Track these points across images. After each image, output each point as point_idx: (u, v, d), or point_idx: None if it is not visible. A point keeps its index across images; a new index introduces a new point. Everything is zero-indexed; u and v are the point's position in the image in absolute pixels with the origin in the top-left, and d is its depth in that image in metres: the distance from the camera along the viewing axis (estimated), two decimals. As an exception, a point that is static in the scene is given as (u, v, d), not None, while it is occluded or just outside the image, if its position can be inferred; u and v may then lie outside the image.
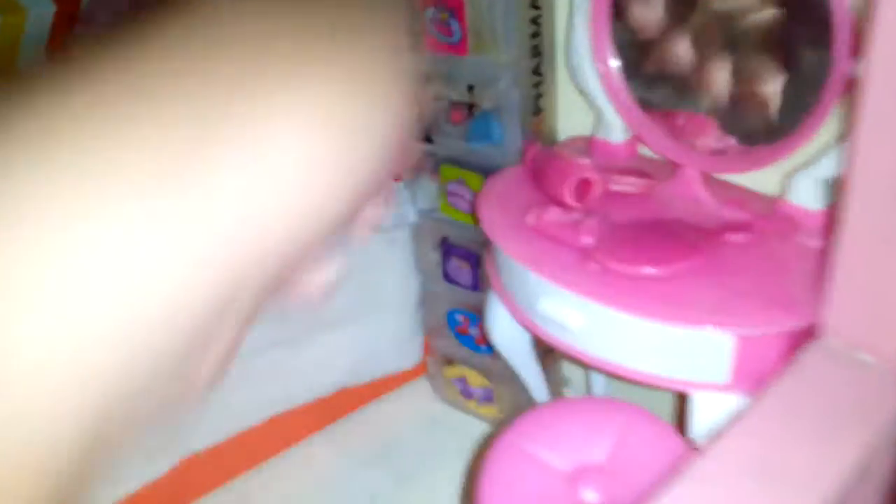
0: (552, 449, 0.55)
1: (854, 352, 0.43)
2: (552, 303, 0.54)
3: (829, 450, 0.38)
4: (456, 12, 0.63)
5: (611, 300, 0.51)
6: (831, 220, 0.54)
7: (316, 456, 0.80)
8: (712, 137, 0.58)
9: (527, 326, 0.58)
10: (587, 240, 0.54)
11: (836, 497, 0.37)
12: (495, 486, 0.55)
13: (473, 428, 0.81)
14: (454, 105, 0.69)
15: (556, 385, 0.81)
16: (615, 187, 0.60)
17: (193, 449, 0.75)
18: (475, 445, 0.78)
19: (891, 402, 0.41)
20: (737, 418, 0.40)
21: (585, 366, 0.69)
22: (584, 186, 0.58)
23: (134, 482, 0.70)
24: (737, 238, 0.53)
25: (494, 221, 0.58)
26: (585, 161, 0.58)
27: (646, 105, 0.61)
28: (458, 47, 0.65)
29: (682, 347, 0.51)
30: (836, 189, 0.54)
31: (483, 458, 0.56)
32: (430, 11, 0.65)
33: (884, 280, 0.40)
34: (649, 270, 0.51)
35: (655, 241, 0.53)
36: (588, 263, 0.53)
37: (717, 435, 0.40)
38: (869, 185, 0.39)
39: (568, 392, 0.83)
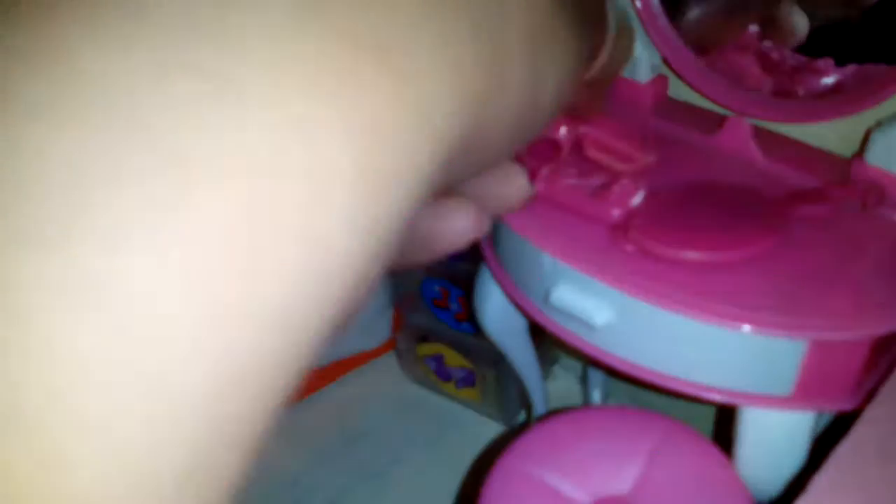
0: (568, 476, 0.44)
1: None
2: (570, 292, 0.42)
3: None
4: None
5: (648, 291, 0.39)
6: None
7: (267, 448, 0.68)
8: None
9: (533, 317, 0.46)
10: (616, 212, 0.42)
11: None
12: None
13: (451, 413, 0.69)
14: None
15: (548, 364, 0.70)
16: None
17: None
18: (453, 433, 0.67)
19: None
20: (831, 463, 0.30)
21: (606, 370, 0.58)
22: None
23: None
24: (809, 211, 0.42)
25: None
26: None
27: (690, 25, 0.48)
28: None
29: (738, 353, 0.39)
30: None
31: (480, 484, 0.45)
32: None
33: None
34: (702, 256, 0.39)
35: (708, 216, 0.41)
36: (620, 243, 0.41)
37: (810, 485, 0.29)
38: None
39: (556, 373, 0.72)
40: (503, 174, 0.24)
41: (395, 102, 0.13)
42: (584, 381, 0.69)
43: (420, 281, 0.66)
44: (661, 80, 0.52)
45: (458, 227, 0.22)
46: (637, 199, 0.43)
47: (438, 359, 0.69)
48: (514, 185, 0.24)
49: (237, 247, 0.11)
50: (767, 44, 0.47)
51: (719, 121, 0.48)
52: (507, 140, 0.18)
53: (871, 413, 0.32)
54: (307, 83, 0.12)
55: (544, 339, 0.68)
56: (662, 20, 0.48)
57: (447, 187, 0.19)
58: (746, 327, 0.37)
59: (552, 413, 0.49)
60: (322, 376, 0.70)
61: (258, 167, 0.11)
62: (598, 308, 0.41)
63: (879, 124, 0.43)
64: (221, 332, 0.11)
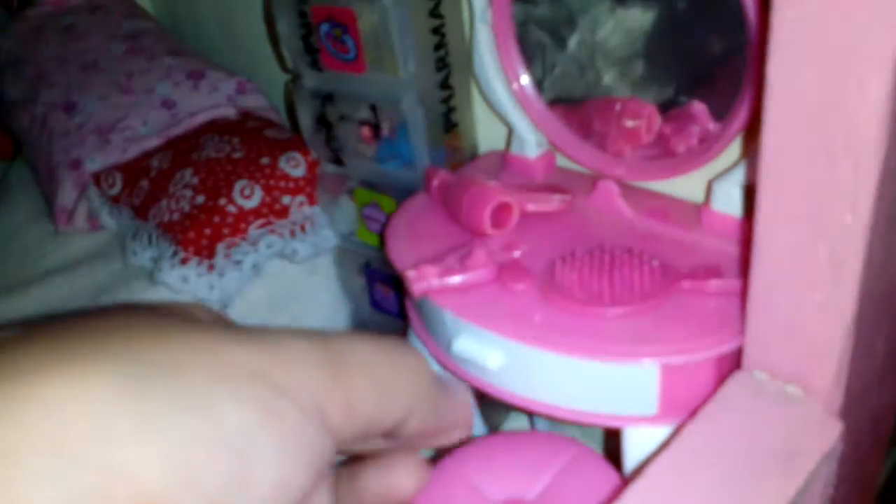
0: (489, 478, 0.51)
1: (780, 385, 0.39)
2: (469, 342, 0.50)
3: (754, 500, 0.34)
4: (349, 28, 0.58)
5: (530, 339, 0.47)
6: (748, 232, 0.50)
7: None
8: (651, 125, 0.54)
9: (445, 366, 0.54)
10: (520, 287, 0.49)
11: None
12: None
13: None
14: (364, 124, 0.65)
15: (493, 415, 0.77)
16: (533, 207, 0.56)
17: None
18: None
19: (821, 439, 0.37)
20: (651, 467, 0.36)
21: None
22: (501, 211, 0.54)
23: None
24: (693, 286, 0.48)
25: (409, 263, 0.53)
26: (495, 183, 0.54)
27: (566, 103, 0.56)
28: (355, 65, 0.60)
29: (608, 382, 0.47)
30: (747, 202, 0.50)
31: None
32: (325, 27, 0.60)
33: (804, 305, 0.36)
34: (617, 311, 0.46)
35: (601, 285, 0.48)
36: (508, 288, 0.48)
37: (630, 487, 0.36)
38: (781, 199, 0.35)
39: (512, 417, 0.79)
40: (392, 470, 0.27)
41: None
42: (531, 421, 0.76)
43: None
44: (548, 155, 0.60)
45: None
46: (536, 269, 0.50)
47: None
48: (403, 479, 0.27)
49: None
50: (629, 122, 0.55)
51: (595, 183, 0.56)
52: None
53: (689, 430, 0.39)
54: None
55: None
56: (538, 104, 0.57)
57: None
58: (607, 359, 0.45)
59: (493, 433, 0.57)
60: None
61: None
62: (491, 354, 0.49)
63: (719, 176, 0.51)
64: None
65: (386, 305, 0.72)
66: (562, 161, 0.61)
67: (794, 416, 0.38)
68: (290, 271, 0.70)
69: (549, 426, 0.74)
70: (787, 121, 0.33)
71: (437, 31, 0.59)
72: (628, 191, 0.55)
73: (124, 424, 0.18)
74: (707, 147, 0.50)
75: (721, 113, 0.49)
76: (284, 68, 0.66)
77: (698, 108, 0.50)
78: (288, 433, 0.22)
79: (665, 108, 0.52)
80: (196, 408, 0.20)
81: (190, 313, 0.24)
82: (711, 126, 0.50)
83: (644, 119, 0.54)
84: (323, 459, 0.23)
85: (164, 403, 0.19)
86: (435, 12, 0.59)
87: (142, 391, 0.19)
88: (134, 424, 0.18)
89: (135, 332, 0.21)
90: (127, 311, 0.22)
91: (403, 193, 0.62)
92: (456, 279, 0.50)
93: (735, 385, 0.40)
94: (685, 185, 0.55)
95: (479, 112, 0.66)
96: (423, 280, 0.51)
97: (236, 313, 0.67)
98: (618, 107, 0.55)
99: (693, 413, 0.42)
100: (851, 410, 0.39)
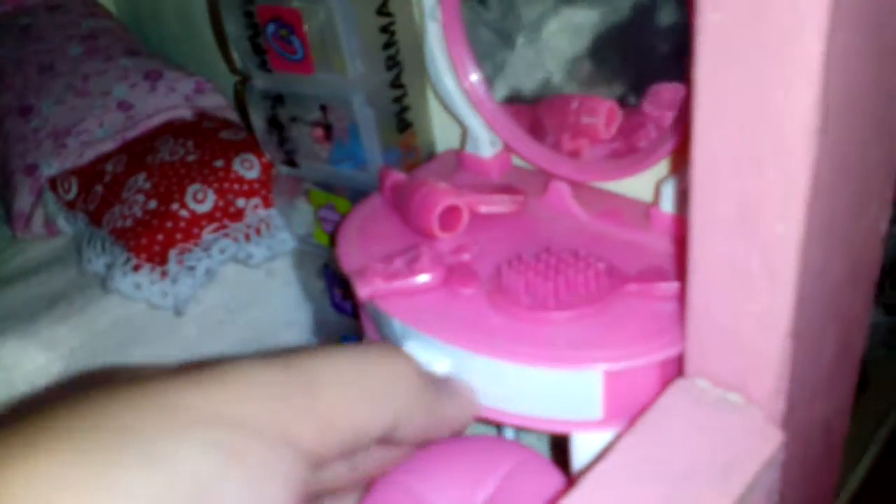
0: (432, 486, 0.50)
1: (722, 393, 0.39)
2: (416, 347, 0.49)
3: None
4: (295, 28, 0.57)
5: (475, 344, 0.46)
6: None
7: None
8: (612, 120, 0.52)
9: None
10: (468, 292, 0.48)
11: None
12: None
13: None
14: (316, 125, 0.64)
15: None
16: (485, 209, 0.55)
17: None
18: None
19: (760, 449, 0.36)
20: (585, 479, 0.36)
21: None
22: (450, 214, 0.53)
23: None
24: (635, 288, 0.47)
25: (358, 266, 0.52)
26: (446, 185, 0.53)
27: (521, 101, 0.55)
28: (303, 65, 0.58)
29: (552, 387, 0.46)
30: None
31: (367, 489, 0.52)
32: (271, 28, 0.59)
33: (740, 314, 0.36)
34: (561, 315, 0.46)
35: (547, 289, 0.47)
36: (454, 292, 0.48)
37: (561, 501, 0.35)
38: (712, 208, 0.34)
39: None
40: None
41: None
42: (497, 427, 0.75)
43: (339, 339, 0.73)
44: (504, 154, 0.59)
45: None
46: (485, 274, 0.49)
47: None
48: None
49: None
50: (586, 118, 0.54)
51: (546, 184, 0.55)
52: None
53: (625, 441, 0.38)
54: None
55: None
56: (490, 102, 0.56)
57: None
58: (550, 366, 0.44)
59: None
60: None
61: None
62: (438, 359, 0.48)
63: (666, 177, 0.50)
64: None
65: (347, 307, 0.71)
66: (519, 160, 0.60)
67: (735, 425, 0.37)
68: (246, 275, 0.69)
69: (516, 432, 0.73)
70: (715, 128, 0.32)
71: (385, 29, 0.58)
72: (581, 191, 0.54)
73: (89, 493, 0.19)
74: (660, 144, 0.49)
75: (673, 112, 0.48)
76: (233, 69, 0.65)
77: (650, 107, 0.49)
78: (256, 468, 0.21)
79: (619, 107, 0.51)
80: (161, 463, 0.20)
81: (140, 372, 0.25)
82: (666, 124, 0.49)
83: (602, 116, 0.53)
84: (299, 483, 0.23)
85: (129, 465, 0.20)
86: (383, 10, 0.57)
87: (104, 458, 0.19)
88: (101, 491, 0.19)
89: (89, 404, 0.21)
90: (86, 388, 0.22)
91: (358, 195, 0.61)
92: (402, 283, 0.49)
93: (676, 393, 0.39)
94: (640, 185, 0.54)
95: (436, 111, 0.65)
96: (368, 284, 0.50)
97: (192, 320, 0.66)
98: (575, 104, 0.54)
99: (632, 421, 0.41)
100: (796, 418, 0.39)
